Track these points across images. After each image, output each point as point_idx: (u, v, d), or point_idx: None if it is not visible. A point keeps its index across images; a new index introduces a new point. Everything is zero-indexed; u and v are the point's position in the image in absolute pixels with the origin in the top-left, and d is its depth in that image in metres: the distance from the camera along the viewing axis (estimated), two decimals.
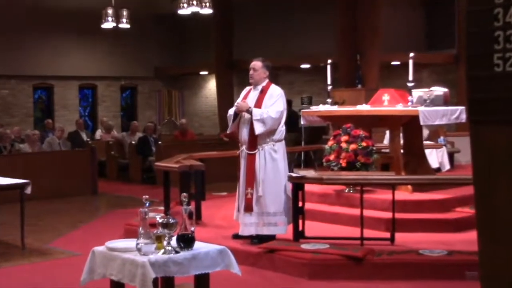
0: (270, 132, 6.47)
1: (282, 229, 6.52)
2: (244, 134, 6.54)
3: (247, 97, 6.66)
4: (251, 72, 6.62)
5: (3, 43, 17.13)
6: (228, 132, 7.01)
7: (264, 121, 6.36)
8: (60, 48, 18.22)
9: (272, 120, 6.37)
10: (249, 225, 6.52)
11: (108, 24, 15.30)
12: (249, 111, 6.44)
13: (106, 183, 13.58)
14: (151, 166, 13.28)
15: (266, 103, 6.49)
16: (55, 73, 18.31)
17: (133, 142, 14.20)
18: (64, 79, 18.62)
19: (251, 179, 6.48)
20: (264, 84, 6.61)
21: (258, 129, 6.37)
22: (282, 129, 6.57)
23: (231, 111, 6.63)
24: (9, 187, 7.60)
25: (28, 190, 7.53)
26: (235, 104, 6.61)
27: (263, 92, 6.57)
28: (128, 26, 15.80)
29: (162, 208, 8.35)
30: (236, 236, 6.70)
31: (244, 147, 6.57)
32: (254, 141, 6.48)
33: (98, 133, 16.60)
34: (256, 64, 6.61)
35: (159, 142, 13.87)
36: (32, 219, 9.29)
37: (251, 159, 6.49)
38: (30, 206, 9.85)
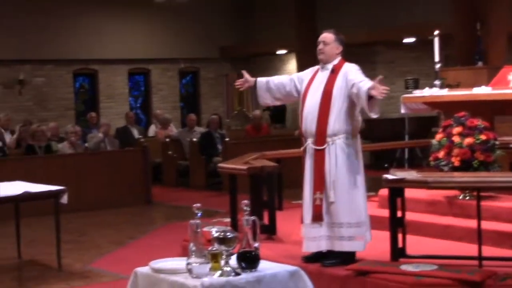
0: (344, 121, 6.37)
1: (360, 245, 6.44)
2: (309, 123, 6.46)
3: (314, 79, 6.58)
4: (320, 46, 6.54)
5: (41, 23, 17.67)
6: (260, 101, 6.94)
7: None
8: (104, 25, 18.69)
9: None
10: (318, 239, 6.44)
11: None
12: (370, 89, 5.96)
13: (162, 190, 13.85)
14: (217, 169, 13.40)
15: (340, 85, 6.38)
16: (99, 56, 18.80)
17: (195, 140, 14.37)
18: (110, 63, 19.08)
19: (320, 181, 6.40)
20: (335, 62, 6.53)
21: (377, 110, 6.15)
22: (358, 118, 6.46)
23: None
24: (40, 195, 7.82)
25: (64, 199, 7.72)
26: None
27: (334, 72, 6.47)
28: None
29: (228, 220, 8.41)
30: (309, 259, 6.65)
31: (309, 141, 6.49)
32: (323, 132, 6.38)
33: (153, 129, 16.89)
34: (327, 36, 6.54)
35: (226, 139, 14.00)
36: (71, 235, 9.59)
37: (319, 156, 6.41)
38: (70, 218, 10.22)
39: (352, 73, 6.37)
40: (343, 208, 6.38)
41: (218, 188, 13.59)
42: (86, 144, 13.45)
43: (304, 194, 6.56)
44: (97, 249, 8.85)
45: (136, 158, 12.69)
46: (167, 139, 15.10)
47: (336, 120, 6.38)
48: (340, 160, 6.39)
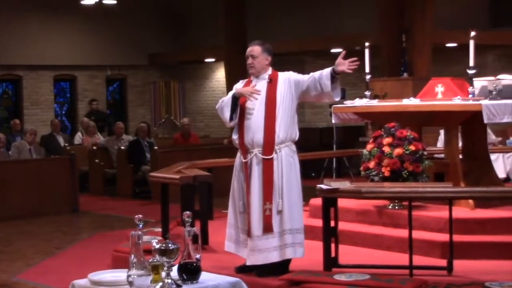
0: (288, 129, 6.43)
1: (303, 251, 6.51)
2: (255, 133, 6.43)
3: None
4: (249, 60, 6.51)
5: None
6: (231, 124, 6.61)
7: None
8: (30, 30, 18.32)
9: None
10: (272, 250, 6.41)
11: None
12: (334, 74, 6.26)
13: (89, 198, 13.66)
14: (145, 178, 13.35)
15: (282, 93, 6.42)
16: (23, 62, 18.43)
17: (123, 148, 14.27)
18: (35, 69, 18.76)
19: (269, 191, 6.41)
20: (269, 72, 6.56)
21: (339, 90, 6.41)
22: (297, 126, 6.57)
23: (228, 98, 6.48)
24: None
25: None
26: (239, 89, 6.50)
27: (272, 81, 6.49)
28: (114, 1, 15.91)
29: (159, 230, 8.35)
30: (241, 269, 6.64)
31: (256, 151, 6.46)
32: (271, 141, 6.40)
33: (78, 137, 16.69)
34: (254, 49, 6.51)
35: (155, 147, 13.94)
36: None
37: (268, 165, 6.41)
38: None
39: (298, 76, 6.46)
40: (292, 215, 6.41)
41: (146, 197, 13.53)
42: (10, 152, 13.21)
43: (252, 206, 6.43)
44: (24, 260, 8.67)
45: (63, 166, 12.51)
46: (94, 147, 14.95)
47: (282, 127, 6.42)
48: (286, 168, 6.44)
